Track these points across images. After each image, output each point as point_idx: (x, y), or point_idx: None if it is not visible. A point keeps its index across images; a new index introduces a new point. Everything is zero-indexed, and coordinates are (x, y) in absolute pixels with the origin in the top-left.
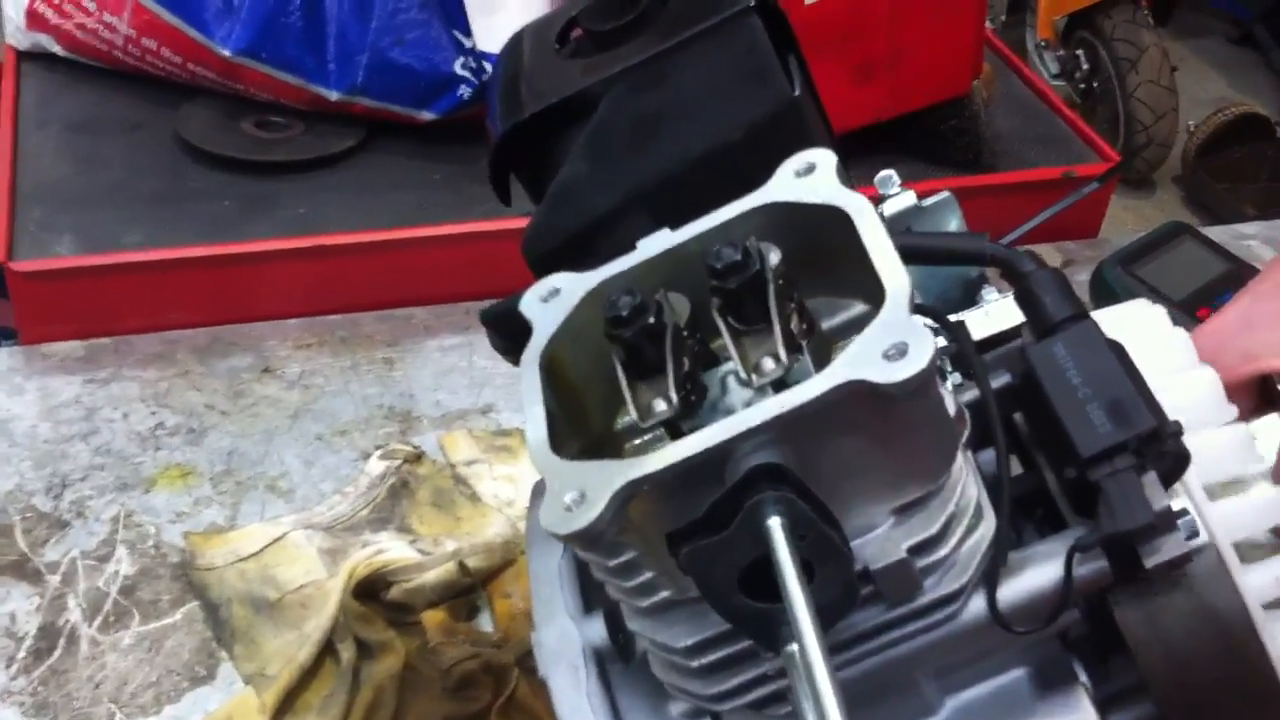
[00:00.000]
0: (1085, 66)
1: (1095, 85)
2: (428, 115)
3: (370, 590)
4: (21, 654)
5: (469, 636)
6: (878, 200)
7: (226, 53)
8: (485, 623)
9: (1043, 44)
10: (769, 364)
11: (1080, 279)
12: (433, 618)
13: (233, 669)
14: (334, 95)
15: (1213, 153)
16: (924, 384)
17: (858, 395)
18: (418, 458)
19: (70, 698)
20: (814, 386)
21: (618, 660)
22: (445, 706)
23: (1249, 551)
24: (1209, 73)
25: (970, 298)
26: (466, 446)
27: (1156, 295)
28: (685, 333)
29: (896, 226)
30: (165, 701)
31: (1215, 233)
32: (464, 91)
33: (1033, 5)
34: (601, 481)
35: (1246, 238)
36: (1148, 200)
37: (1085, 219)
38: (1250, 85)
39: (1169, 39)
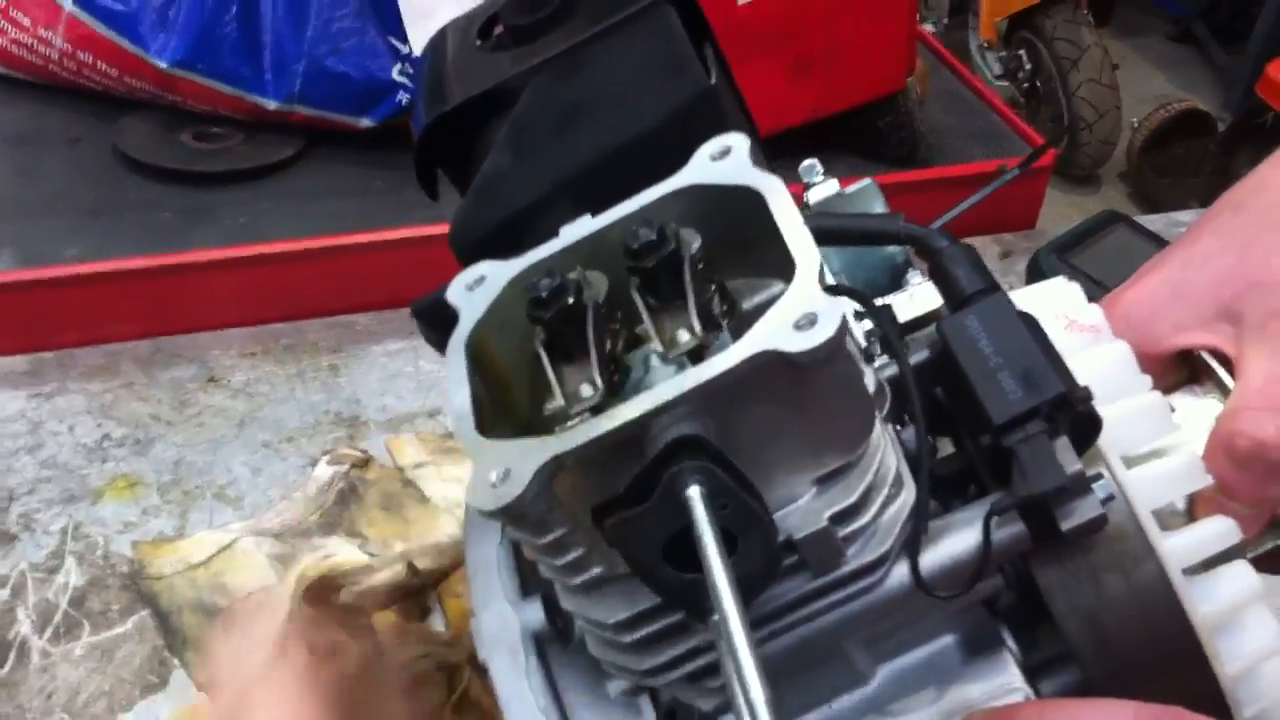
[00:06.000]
0: (1028, 67)
1: (1038, 85)
2: (366, 122)
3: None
4: None
5: (421, 636)
6: (802, 189)
7: (162, 64)
8: (437, 623)
9: (985, 45)
10: (684, 336)
11: (1018, 269)
12: (384, 619)
13: (185, 676)
14: (272, 104)
15: (1156, 149)
16: (833, 352)
17: (770, 365)
18: (365, 462)
19: (23, 709)
20: (728, 358)
21: (557, 642)
22: (399, 706)
23: (1168, 519)
24: (1150, 70)
25: (896, 282)
26: (414, 450)
27: (1091, 282)
28: (606, 313)
29: None
30: (118, 710)
31: (1152, 220)
32: (402, 98)
33: (974, 8)
34: (525, 458)
35: (1182, 225)
36: (1093, 196)
37: (1023, 210)
38: (1190, 81)
39: (1109, 38)
